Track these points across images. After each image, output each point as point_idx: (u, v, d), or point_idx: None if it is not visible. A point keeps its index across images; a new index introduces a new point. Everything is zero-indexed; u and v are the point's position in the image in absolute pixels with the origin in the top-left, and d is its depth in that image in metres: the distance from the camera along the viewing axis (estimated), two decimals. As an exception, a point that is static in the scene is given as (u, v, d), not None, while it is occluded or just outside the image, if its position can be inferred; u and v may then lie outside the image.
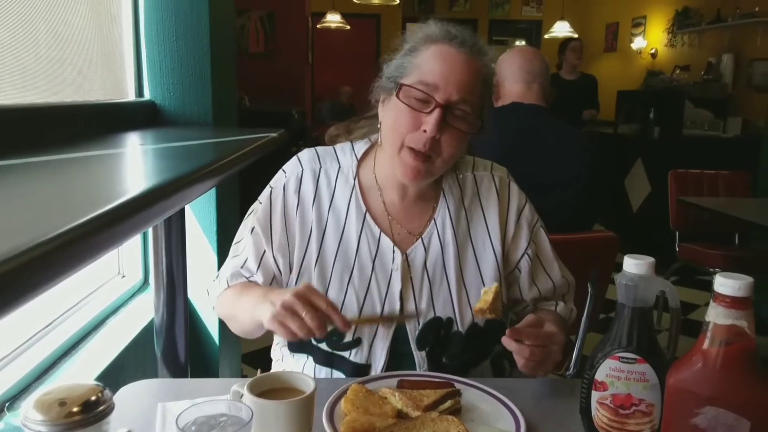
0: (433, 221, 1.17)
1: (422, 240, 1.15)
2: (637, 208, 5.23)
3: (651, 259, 0.87)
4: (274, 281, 1.16)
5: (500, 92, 2.06)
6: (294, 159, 1.20)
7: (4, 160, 0.95)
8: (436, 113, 1.04)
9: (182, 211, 1.47)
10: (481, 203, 1.19)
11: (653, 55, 6.89)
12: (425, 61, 1.06)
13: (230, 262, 1.20)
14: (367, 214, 1.15)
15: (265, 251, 1.15)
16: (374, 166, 1.18)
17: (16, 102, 1.25)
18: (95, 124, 1.49)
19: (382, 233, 1.15)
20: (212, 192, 1.95)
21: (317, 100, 7.23)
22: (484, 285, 1.14)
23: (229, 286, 1.17)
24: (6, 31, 1.23)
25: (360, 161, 1.19)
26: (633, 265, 0.86)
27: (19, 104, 1.25)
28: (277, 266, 1.16)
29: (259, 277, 1.16)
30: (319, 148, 1.22)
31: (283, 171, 1.20)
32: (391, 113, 1.09)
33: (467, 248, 1.16)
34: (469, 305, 1.13)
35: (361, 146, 1.21)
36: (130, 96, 1.85)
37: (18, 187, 0.82)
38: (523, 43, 8.09)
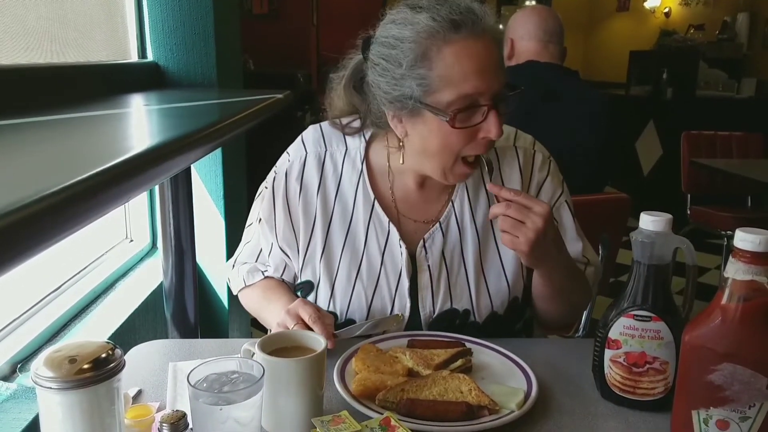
0: (450, 204, 1.09)
1: (440, 225, 1.08)
2: (648, 171, 5.17)
3: (668, 216, 0.85)
4: (285, 269, 1.15)
5: (514, 50, 2.01)
6: (298, 140, 1.13)
7: (6, 120, 0.94)
8: (492, 116, 0.93)
9: (188, 174, 1.46)
10: (502, 180, 1.10)
11: (667, 15, 6.72)
12: (450, 69, 0.91)
13: (246, 250, 1.19)
14: (376, 203, 1.08)
15: (272, 243, 1.13)
16: (388, 153, 1.09)
17: (18, 62, 1.22)
18: (98, 85, 1.46)
19: (390, 224, 1.08)
20: (218, 155, 1.94)
21: (322, 64, 7.13)
22: (504, 272, 1.09)
23: (246, 285, 1.17)
24: (4, -11, 1.20)
25: (369, 142, 1.11)
26: (650, 221, 0.84)
27: (22, 64, 1.23)
28: (287, 254, 1.12)
29: (270, 269, 1.16)
30: (326, 127, 1.13)
31: (287, 153, 1.13)
32: (436, 136, 0.96)
33: (487, 232, 1.09)
34: (489, 295, 1.08)
35: (369, 128, 1.11)
36: (133, 57, 1.82)
37: (22, 145, 0.80)
38: (534, 2, 7.90)
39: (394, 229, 1.08)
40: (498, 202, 0.96)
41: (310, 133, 1.13)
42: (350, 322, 1.07)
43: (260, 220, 1.13)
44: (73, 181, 0.55)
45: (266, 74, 5.06)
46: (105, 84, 1.50)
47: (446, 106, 0.93)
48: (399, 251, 1.07)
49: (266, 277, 1.16)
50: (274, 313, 1.04)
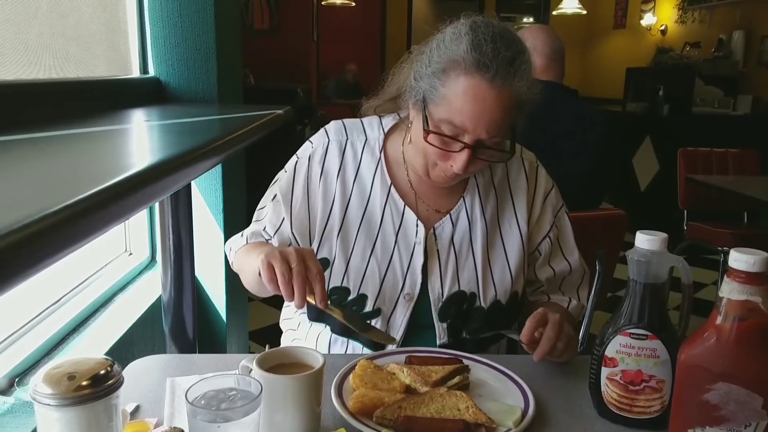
0: (462, 199, 1.17)
1: (450, 216, 1.16)
2: (645, 187, 5.19)
3: (664, 235, 0.86)
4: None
5: None
6: (321, 131, 1.21)
7: (7, 136, 0.95)
8: (464, 154, 1.01)
9: (188, 189, 1.46)
10: (510, 185, 1.19)
11: (663, 32, 6.78)
12: (454, 95, 0.98)
13: (253, 226, 1.23)
14: (392, 187, 1.16)
15: (283, 219, 1.17)
16: (403, 142, 1.17)
17: (19, 77, 1.23)
18: (99, 100, 1.47)
19: (406, 207, 1.15)
20: (218, 170, 1.95)
21: (322, 78, 7.17)
22: (508, 264, 1.16)
23: (247, 243, 1.20)
24: (7, 5, 1.21)
25: (388, 134, 1.19)
26: (645, 240, 0.85)
27: (22, 79, 1.24)
28: (293, 236, 1.17)
29: (275, 243, 1.18)
30: (347, 121, 1.22)
31: (310, 142, 1.20)
32: (417, 137, 1.07)
33: (494, 227, 1.17)
34: (493, 282, 1.14)
35: (389, 121, 1.21)
36: (135, 72, 1.83)
37: (22, 161, 0.81)
38: (531, 20, 7.97)
39: (409, 211, 1.14)
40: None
41: (332, 124, 1.21)
42: (362, 297, 1.12)
43: (274, 197, 1.18)
44: (74, 200, 0.55)
45: (266, 89, 5.09)
46: (106, 99, 1.51)
47: (435, 121, 1.02)
48: (414, 231, 1.14)
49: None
50: (260, 250, 1.03)
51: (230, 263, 1.26)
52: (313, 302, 0.92)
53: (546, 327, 0.99)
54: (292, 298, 0.90)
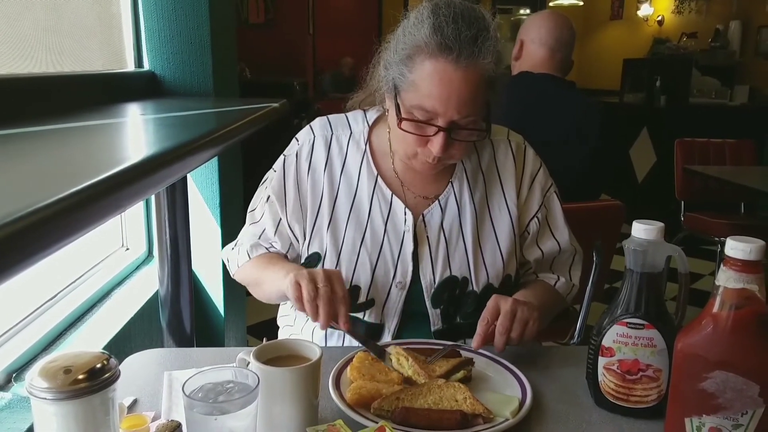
0: (450, 184, 1.17)
1: (439, 202, 1.16)
2: (642, 178, 5.20)
3: (660, 225, 0.86)
4: (291, 248, 1.19)
5: (522, 52, 1.99)
6: (306, 127, 1.22)
7: (2, 130, 0.94)
8: (440, 137, 1.02)
9: (185, 182, 1.46)
10: (498, 168, 1.19)
11: (660, 23, 6.78)
12: (422, 81, 1.00)
13: (249, 230, 1.22)
14: (379, 178, 1.16)
15: (281, 219, 1.18)
16: (389, 132, 1.18)
17: (13, 72, 1.23)
18: (94, 94, 1.46)
19: (393, 196, 1.15)
20: (214, 163, 1.94)
21: (318, 72, 7.15)
22: (499, 247, 1.16)
23: (250, 258, 1.19)
24: (0, -1, 1.20)
25: (372, 127, 1.20)
26: (642, 230, 0.85)
27: (17, 74, 1.23)
28: (293, 233, 1.18)
29: (277, 244, 1.19)
30: (332, 116, 1.22)
31: (296, 139, 1.21)
32: (393, 125, 1.07)
33: (484, 210, 1.17)
34: (485, 266, 1.15)
35: (373, 114, 1.21)
36: (130, 66, 1.82)
37: (17, 155, 0.80)
38: (528, 11, 7.94)
39: (397, 200, 1.15)
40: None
41: (317, 121, 1.22)
42: (355, 288, 1.12)
43: (268, 198, 1.19)
44: (69, 193, 0.55)
45: (262, 83, 5.08)
46: (101, 93, 1.51)
47: (407, 107, 1.03)
48: (402, 219, 1.14)
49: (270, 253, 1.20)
50: (285, 270, 1.05)
51: (230, 273, 1.26)
52: (338, 325, 0.95)
53: (498, 320, 0.99)
54: (317, 318, 0.94)
